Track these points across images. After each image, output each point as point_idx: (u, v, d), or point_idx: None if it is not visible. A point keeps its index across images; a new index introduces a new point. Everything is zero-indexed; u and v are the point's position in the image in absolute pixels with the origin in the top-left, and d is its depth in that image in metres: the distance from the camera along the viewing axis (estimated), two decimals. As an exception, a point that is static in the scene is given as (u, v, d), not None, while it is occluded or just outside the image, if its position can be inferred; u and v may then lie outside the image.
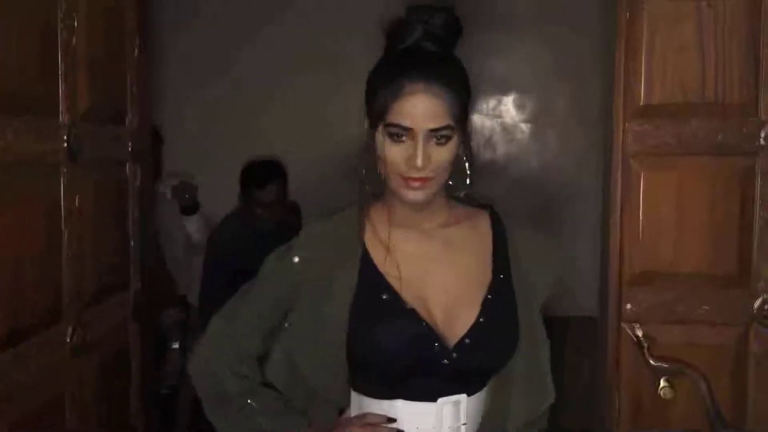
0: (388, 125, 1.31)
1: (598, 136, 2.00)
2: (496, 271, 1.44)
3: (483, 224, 1.49)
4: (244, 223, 3.43)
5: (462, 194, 1.46)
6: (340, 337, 1.39)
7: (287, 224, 3.25)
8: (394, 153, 1.32)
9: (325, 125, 4.49)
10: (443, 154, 1.32)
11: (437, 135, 1.31)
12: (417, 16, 1.37)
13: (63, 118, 1.67)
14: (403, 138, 1.31)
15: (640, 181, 1.83)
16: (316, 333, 1.42)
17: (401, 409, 1.40)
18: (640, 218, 1.84)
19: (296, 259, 1.43)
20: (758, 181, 1.78)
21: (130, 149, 2.06)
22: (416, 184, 1.32)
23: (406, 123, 1.30)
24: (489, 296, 1.41)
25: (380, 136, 1.33)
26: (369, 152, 1.37)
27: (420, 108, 1.30)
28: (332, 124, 4.42)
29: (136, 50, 2.06)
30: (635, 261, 1.84)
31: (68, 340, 1.71)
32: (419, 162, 1.29)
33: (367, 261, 1.42)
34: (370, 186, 1.41)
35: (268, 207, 3.39)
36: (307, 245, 1.44)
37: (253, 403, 1.50)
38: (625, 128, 1.82)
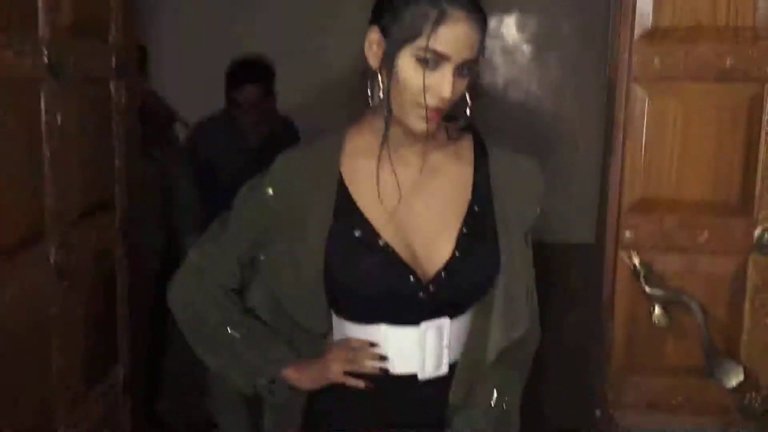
0: (423, 50, 1.27)
1: (603, 59, 1.95)
2: (473, 203, 1.44)
3: (466, 148, 1.48)
4: (221, 129, 3.23)
5: (460, 125, 1.44)
6: (316, 271, 1.40)
7: (278, 140, 3.14)
8: (420, 80, 1.28)
9: (321, 37, 4.40)
10: (462, 85, 1.32)
11: (466, 66, 1.29)
12: None
13: (43, 32, 1.62)
14: (435, 65, 1.28)
15: (645, 107, 1.79)
16: (292, 266, 1.43)
17: (384, 333, 1.43)
18: (643, 144, 1.81)
19: (270, 191, 1.43)
20: (766, 109, 1.75)
21: (113, 65, 2.01)
22: (435, 114, 1.31)
23: (446, 51, 1.27)
24: (464, 229, 1.42)
25: (405, 60, 1.29)
26: (384, 74, 1.33)
27: (461, 37, 1.27)
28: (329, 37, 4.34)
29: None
30: (636, 187, 1.82)
31: (52, 261, 1.70)
32: (448, 93, 1.28)
33: (343, 193, 1.42)
34: (376, 104, 1.37)
35: (248, 111, 3.20)
36: (281, 176, 1.44)
37: (235, 333, 1.52)
38: (631, 51, 1.78)
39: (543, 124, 4.25)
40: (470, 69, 1.30)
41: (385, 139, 1.38)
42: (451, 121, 1.44)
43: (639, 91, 1.79)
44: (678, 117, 1.78)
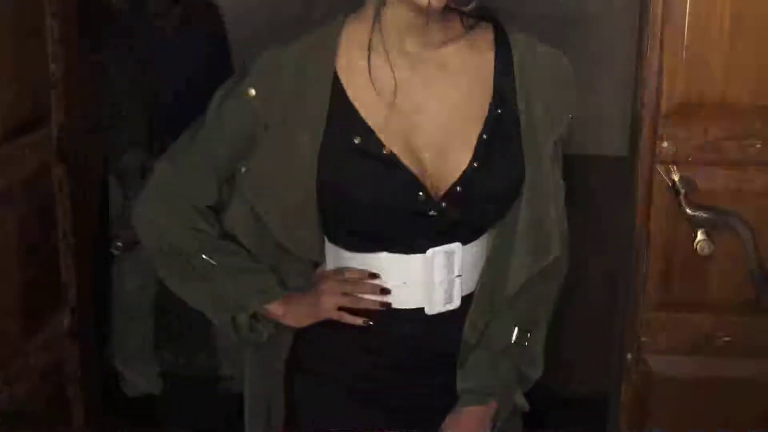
0: None
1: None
2: (495, 104, 1.40)
3: (485, 41, 1.44)
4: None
5: (467, 7, 1.34)
6: (307, 186, 1.38)
7: (197, 26, 3.14)
8: None
9: None
10: None
11: None
12: None
13: None
14: None
15: None
16: (279, 180, 1.40)
17: (385, 262, 1.42)
18: (685, 36, 1.74)
19: (252, 92, 1.38)
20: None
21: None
22: None
23: None
24: (484, 135, 1.38)
25: None
26: None
27: None
28: None
29: None
30: (676, 89, 1.76)
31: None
32: None
33: (339, 94, 1.38)
34: None
35: None
36: (265, 74, 1.39)
37: (211, 260, 1.49)
38: None
39: (568, 18, 4.11)
40: None
41: (376, 19, 1.34)
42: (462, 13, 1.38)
43: None
44: (727, 3, 1.72)
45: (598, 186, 2.41)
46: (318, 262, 1.49)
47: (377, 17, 1.34)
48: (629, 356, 1.91)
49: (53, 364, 2.06)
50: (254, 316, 1.49)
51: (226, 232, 1.52)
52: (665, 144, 1.79)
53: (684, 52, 1.75)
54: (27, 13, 1.89)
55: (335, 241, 1.45)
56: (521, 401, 1.55)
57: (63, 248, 2.10)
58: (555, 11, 4.02)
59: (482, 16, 1.42)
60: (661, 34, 1.76)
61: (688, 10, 1.73)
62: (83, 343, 2.21)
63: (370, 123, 1.36)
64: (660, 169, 1.80)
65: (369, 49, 1.35)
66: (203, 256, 1.49)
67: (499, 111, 1.39)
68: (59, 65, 2.01)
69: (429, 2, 1.25)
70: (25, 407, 1.88)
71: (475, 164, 1.37)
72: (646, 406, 1.91)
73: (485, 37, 1.43)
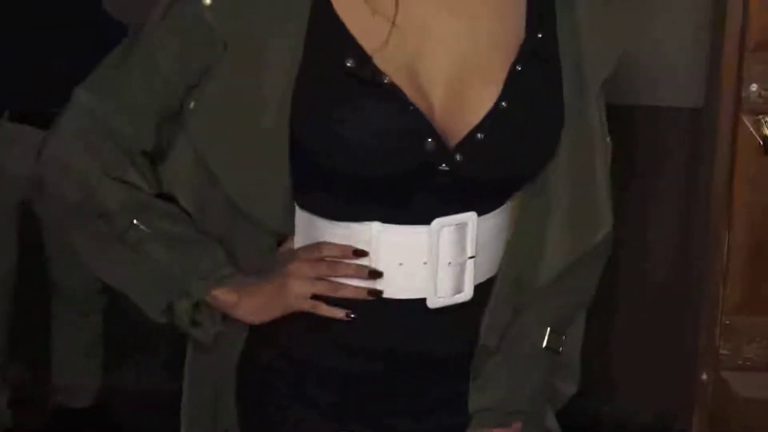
0: None
1: None
2: (531, 29, 1.21)
3: None
4: None
5: None
6: (275, 125, 1.16)
7: None
8: None
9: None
10: None
11: None
12: None
13: None
14: None
15: None
16: (238, 117, 1.18)
17: (376, 236, 1.20)
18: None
19: (207, 1, 1.16)
20: None
21: None
22: None
23: None
24: (518, 67, 1.19)
25: None
26: None
27: None
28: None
29: None
30: (765, 19, 1.57)
31: None
32: None
33: (322, 5, 1.17)
34: None
35: None
36: None
37: (142, 225, 1.25)
38: None
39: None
40: None
41: None
42: None
43: None
44: None
45: (669, 143, 2.16)
46: (284, 233, 1.27)
47: None
48: (704, 376, 1.68)
49: None
50: (197, 305, 1.26)
51: (163, 190, 1.30)
52: (753, 87, 1.61)
53: None
54: None
55: (310, 207, 1.23)
56: (552, 423, 1.34)
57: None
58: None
59: None
60: None
61: None
62: None
63: (363, 45, 1.17)
64: (746, 120, 1.61)
65: None
66: (133, 221, 1.26)
67: (540, 36, 1.21)
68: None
69: None
70: None
71: (504, 104, 1.16)
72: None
73: None
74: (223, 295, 1.26)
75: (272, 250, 1.31)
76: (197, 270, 1.28)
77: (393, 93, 1.17)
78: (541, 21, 1.26)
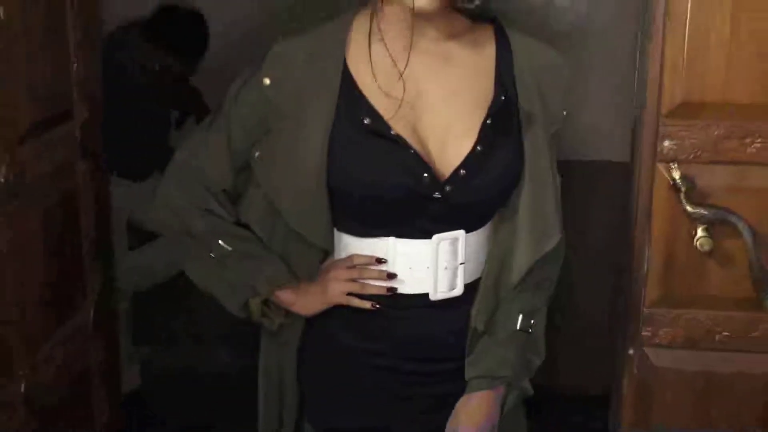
0: None
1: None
2: (498, 93, 1.43)
3: (486, 38, 1.47)
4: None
5: (472, 5, 1.37)
6: (317, 168, 1.38)
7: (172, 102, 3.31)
8: None
9: None
10: None
11: None
12: None
13: None
14: None
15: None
16: (290, 164, 1.41)
17: (392, 248, 1.43)
18: (686, 36, 1.72)
19: (267, 81, 1.40)
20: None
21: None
22: None
23: None
24: (488, 121, 1.40)
25: None
26: None
27: None
28: None
29: None
30: (676, 89, 1.74)
31: (1, 180, 1.63)
32: None
33: (348, 81, 1.40)
34: None
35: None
36: (278, 64, 1.42)
37: (224, 244, 1.50)
38: None
39: (570, 25, 4.08)
40: None
41: (374, 14, 1.39)
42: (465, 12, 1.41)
43: None
44: (727, 5, 1.70)
45: (601, 189, 2.40)
46: (327, 251, 1.50)
47: (375, 12, 1.39)
48: (631, 351, 1.90)
49: (77, 356, 2.03)
50: (266, 303, 1.49)
51: (240, 220, 1.54)
52: (666, 143, 1.78)
53: (685, 52, 1.74)
54: (51, 16, 1.88)
55: (344, 228, 1.46)
56: (527, 386, 1.55)
57: (85, 242, 2.08)
58: (554, 21, 4.01)
59: (482, 15, 1.45)
60: (663, 34, 1.75)
61: (689, 11, 1.72)
62: (105, 333, 2.19)
63: (377, 108, 1.38)
64: (661, 167, 1.79)
65: (369, 39, 1.40)
66: (219, 241, 1.50)
67: (503, 98, 1.41)
68: (81, 65, 2.00)
69: (413, 4, 1.30)
70: (49, 396, 1.85)
71: (479, 148, 1.39)
72: (648, 399, 1.90)
73: (486, 34, 1.46)
74: (284, 295, 1.49)
75: (319, 262, 1.52)
76: (265, 277, 1.48)
77: (398, 142, 1.37)
78: (504, 86, 1.43)
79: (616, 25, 3.84)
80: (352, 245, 1.45)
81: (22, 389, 1.72)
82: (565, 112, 1.48)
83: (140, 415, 2.93)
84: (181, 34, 3.22)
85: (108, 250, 2.22)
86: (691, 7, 1.70)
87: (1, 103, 1.62)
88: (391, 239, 1.42)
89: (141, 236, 3.24)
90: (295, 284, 1.49)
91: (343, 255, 1.47)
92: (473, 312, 1.47)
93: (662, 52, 1.74)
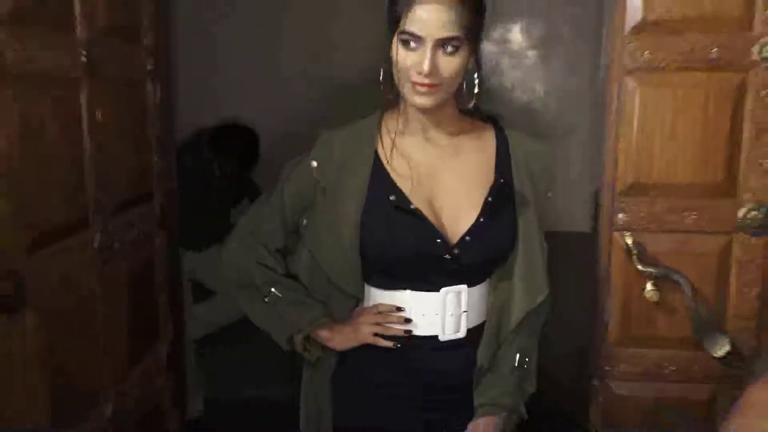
0: (401, 33, 1.29)
1: (598, 57, 1.89)
2: (497, 174, 1.44)
3: (488, 135, 1.49)
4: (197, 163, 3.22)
5: (471, 106, 1.42)
6: (352, 237, 1.40)
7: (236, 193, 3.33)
8: (405, 59, 1.30)
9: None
10: (452, 63, 1.30)
11: (446, 44, 1.28)
12: None
13: (80, 34, 1.58)
14: (414, 45, 1.29)
15: (636, 96, 1.73)
16: (331, 232, 1.43)
17: (408, 298, 1.43)
18: (635, 131, 1.74)
19: (314, 164, 1.43)
20: (749, 96, 1.68)
21: (148, 68, 1.98)
22: (423, 89, 1.31)
23: (417, 31, 1.27)
24: (489, 198, 1.41)
25: (395, 43, 1.32)
26: (387, 60, 1.35)
27: (431, 17, 1.26)
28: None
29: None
30: (629, 172, 1.76)
31: (95, 246, 1.67)
32: (426, 67, 1.27)
33: (378, 165, 1.42)
34: (387, 91, 1.39)
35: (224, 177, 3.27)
36: (323, 151, 1.45)
37: (277, 292, 1.52)
38: (623, 44, 1.71)
39: (545, 122, 4.18)
40: (456, 47, 1.29)
41: (401, 114, 1.42)
42: (470, 114, 1.48)
43: (631, 82, 1.72)
44: (667, 105, 1.72)
45: (570, 254, 2.42)
46: (358, 299, 1.51)
47: (400, 112, 1.43)
48: (596, 382, 1.89)
49: (152, 386, 2.04)
50: (307, 339, 1.50)
51: (290, 272, 1.57)
52: (621, 215, 1.79)
53: (634, 144, 1.76)
54: (137, 120, 1.94)
55: (371, 282, 1.47)
56: (522, 410, 1.54)
57: (160, 295, 2.11)
58: (532, 120, 4.10)
59: (484, 116, 1.50)
60: (617, 130, 1.77)
61: (637, 111, 1.74)
62: (175, 369, 2.20)
63: (401, 188, 1.41)
64: (617, 235, 1.80)
65: (400, 136, 1.44)
66: (273, 289, 1.52)
67: (501, 181, 1.44)
68: (159, 155, 2.06)
69: (415, 104, 1.34)
70: (129, 420, 1.85)
71: (481, 220, 1.40)
72: (610, 420, 1.88)
73: (488, 130, 1.49)
74: (322, 333, 1.49)
75: (352, 307, 1.51)
76: (307, 318, 1.49)
77: (417, 214, 1.38)
78: (502, 172, 1.44)
79: (581, 123, 3.93)
80: (378, 296, 1.47)
81: (108, 414, 1.73)
82: (549, 194, 1.51)
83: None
84: (238, 146, 3.27)
85: (179, 303, 2.24)
86: (638, 109, 1.74)
87: (98, 186, 1.67)
88: (408, 292, 1.44)
89: (202, 293, 3.28)
90: (332, 324, 1.50)
91: (371, 303, 1.48)
92: (479, 352, 1.46)
93: (616, 144, 1.76)
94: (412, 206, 1.38)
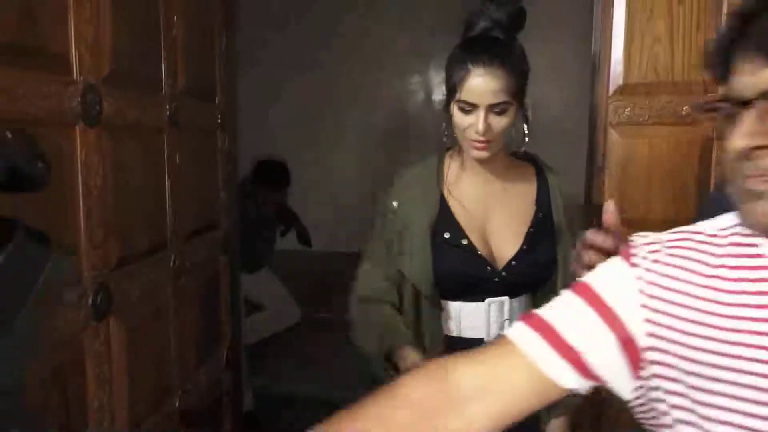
0: (458, 101, 1.29)
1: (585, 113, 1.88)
2: (537, 211, 1.42)
3: (530, 173, 1.47)
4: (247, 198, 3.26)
5: (521, 150, 1.43)
6: (425, 263, 1.39)
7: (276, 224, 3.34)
8: (463, 121, 1.30)
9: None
10: (501, 122, 1.29)
11: (496, 108, 1.28)
12: (485, 9, 1.31)
13: (165, 92, 1.62)
14: (470, 110, 1.29)
15: (618, 146, 1.74)
16: (411, 259, 1.41)
17: (462, 308, 1.41)
18: (617, 176, 1.75)
19: (395, 204, 1.42)
20: (714, 146, 1.67)
21: (219, 121, 2.01)
22: (480, 145, 1.31)
23: (473, 99, 1.28)
24: (531, 229, 1.40)
25: (454, 108, 1.31)
26: (447, 118, 1.35)
27: (482, 87, 1.26)
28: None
29: (223, 41, 2.00)
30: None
31: (171, 265, 1.68)
32: (481, 129, 1.28)
33: (443, 204, 1.41)
34: (448, 140, 1.39)
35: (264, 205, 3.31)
36: (400, 191, 1.44)
37: (380, 325, 1.44)
38: (607, 103, 1.73)
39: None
40: (504, 109, 1.28)
41: (464, 159, 1.41)
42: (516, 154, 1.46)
43: (614, 134, 1.73)
44: (645, 153, 1.72)
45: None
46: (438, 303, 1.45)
47: (460, 157, 1.42)
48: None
49: (215, 382, 2.03)
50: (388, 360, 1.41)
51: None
52: None
53: (617, 186, 1.76)
54: (207, 162, 1.97)
55: (442, 294, 1.43)
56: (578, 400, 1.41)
57: (223, 307, 2.12)
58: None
59: (527, 158, 1.48)
60: (602, 175, 1.78)
61: (619, 159, 1.75)
62: (232, 368, 2.19)
63: (460, 222, 1.40)
64: None
65: (460, 176, 1.42)
66: (378, 323, 1.44)
67: (541, 215, 1.42)
68: (224, 192, 2.07)
69: (473, 156, 1.34)
70: (194, 411, 1.83)
71: (524, 247, 1.39)
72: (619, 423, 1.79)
73: (530, 170, 1.47)
74: (405, 353, 1.36)
75: (438, 312, 1.41)
76: (399, 340, 1.38)
77: (469, 247, 1.37)
78: (543, 205, 1.42)
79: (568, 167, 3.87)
80: (443, 304, 1.43)
81: (177, 405, 1.72)
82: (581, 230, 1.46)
83: (254, 429, 2.86)
84: (272, 176, 3.34)
85: (237, 314, 2.24)
86: (620, 157, 1.74)
87: (175, 217, 1.69)
88: (460, 302, 1.41)
89: (252, 307, 3.29)
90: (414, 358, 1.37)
91: (443, 312, 1.43)
92: None
93: (601, 187, 1.77)
94: (464, 241, 1.38)
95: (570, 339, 0.79)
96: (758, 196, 0.69)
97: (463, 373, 0.81)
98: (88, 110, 1.25)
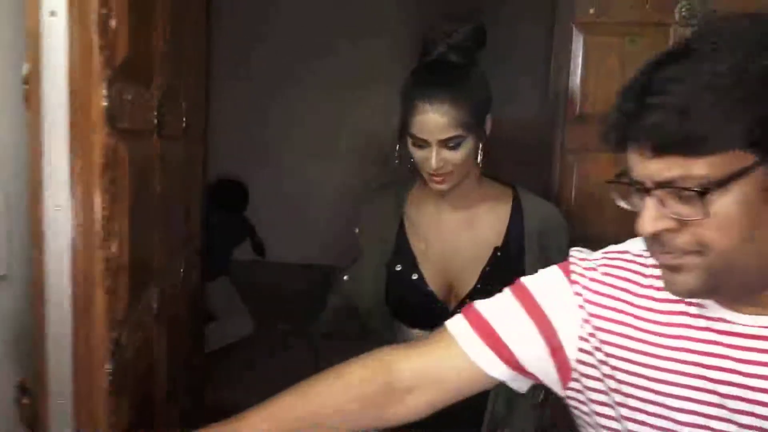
0: (410, 135, 1.25)
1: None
2: (504, 242, 1.34)
3: (505, 201, 1.37)
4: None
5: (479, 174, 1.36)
6: (379, 292, 1.39)
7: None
8: (417, 155, 1.27)
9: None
10: (456, 156, 1.24)
11: (449, 143, 1.22)
12: (440, 30, 1.26)
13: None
14: (423, 145, 1.24)
15: (574, 171, 1.82)
16: (363, 285, 1.41)
17: (416, 334, 1.39)
18: (573, 198, 1.83)
19: (356, 231, 1.43)
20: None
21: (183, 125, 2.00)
22: (438, 179, 1.27)
23: (422, 135, 1.23)
24: (487, 268, 1.34)
25: (408, 141, 1.28)
26: (403, 148, 1.30)
27: (431, 124, 1.21)
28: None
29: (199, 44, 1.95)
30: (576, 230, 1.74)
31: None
32: (434, 164, 1.23)
33: (401, 232, 1.38)
34: (410, 169, 1.33)
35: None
36: (363, 217, 1.43)
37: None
38: (564, 131, 1.81)
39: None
40: (458, 143, 1.23)
41: (425, 190, 1.36)
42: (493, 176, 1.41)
43: (570, 159, 1.82)
44: (598, 178, 1.79)
45: None
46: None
47: (424, 186, 1.36)
48: None
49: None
50: None
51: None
52: None
53: (573, 208, 1.81)
54: (185, 189, 1.89)
55: (398, 321, 1.44)
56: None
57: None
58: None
59: (502, 182, 1.42)
60: (558, 198, 1.84)
61: (575, 183, 1.82)
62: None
63: (415, 254, 1.36)
64: None
65: (421, 207, 1.39)
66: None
67: (499, 254, 1.34)
68: (192, 216, 2.06)
69: (433, 188, 1.29)
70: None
71: (479, 286, 1.33)
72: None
73: (505, 197, 1.39)
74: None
75: (406, 329, 1.39)
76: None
77: (418, 282, 1.34)
78: (509, 242, 1.32)
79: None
80: (399, 329, 1.42)
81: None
82: (561, 254, 1.37)
83: None
84: (231, 195, 3.59)
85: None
86: (576, 182, 1.82)
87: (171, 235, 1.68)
88: (417, 330, 1.38)
89: (208, 316, 3.33)
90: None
91: (398, 335, 1.41)
92: (491, 395, 1.33)
93: (558, 206, 1.77)
94: (414, 276, 1.34)
95: (501, 333, 0.87)
96: (673, 269, 0.73)
97: (405, 365, 0.90)
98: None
